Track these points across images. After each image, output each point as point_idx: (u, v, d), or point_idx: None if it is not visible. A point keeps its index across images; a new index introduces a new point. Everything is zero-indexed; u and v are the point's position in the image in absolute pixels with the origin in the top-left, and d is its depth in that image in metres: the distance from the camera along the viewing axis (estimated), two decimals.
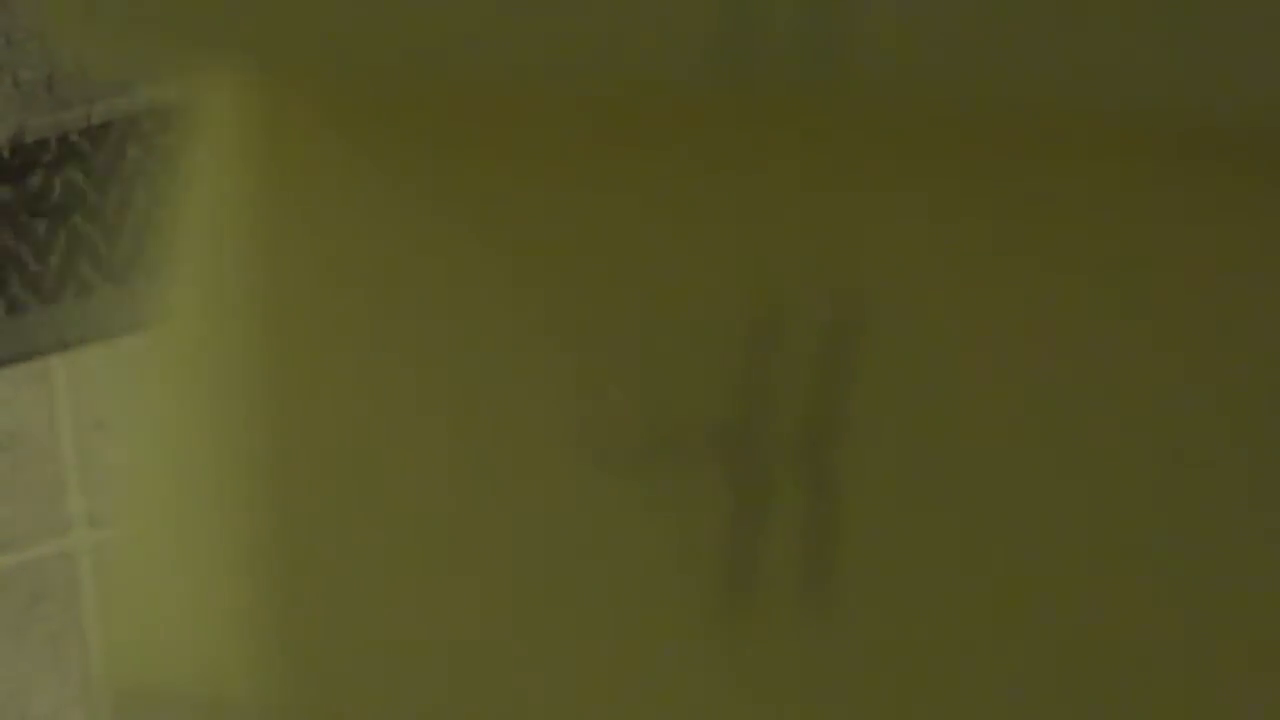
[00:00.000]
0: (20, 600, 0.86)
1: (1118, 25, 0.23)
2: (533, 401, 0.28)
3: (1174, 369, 0.27)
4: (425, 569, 0.28)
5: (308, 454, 0.28)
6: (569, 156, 0.29)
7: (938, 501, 0.27)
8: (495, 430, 0.28)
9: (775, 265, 0.28)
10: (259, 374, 0.28)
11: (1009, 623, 0.26)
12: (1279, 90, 0.24)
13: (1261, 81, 0.23)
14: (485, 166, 0.29)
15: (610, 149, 0.29)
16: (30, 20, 0.95)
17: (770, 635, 0.26)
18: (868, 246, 0.28)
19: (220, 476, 0.28)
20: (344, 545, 0.28)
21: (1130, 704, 0.26)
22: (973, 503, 0.26)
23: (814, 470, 0.27)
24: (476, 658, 0.27)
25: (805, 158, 0.28)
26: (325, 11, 0.25)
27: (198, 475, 0.28)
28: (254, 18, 0.25)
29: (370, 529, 0.28)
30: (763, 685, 0.26)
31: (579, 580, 0.27)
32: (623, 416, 0.27)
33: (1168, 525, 0.26)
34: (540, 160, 0.29)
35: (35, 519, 0.88)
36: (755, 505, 0.27)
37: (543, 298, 0.28)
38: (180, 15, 0.25)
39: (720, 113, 0.28)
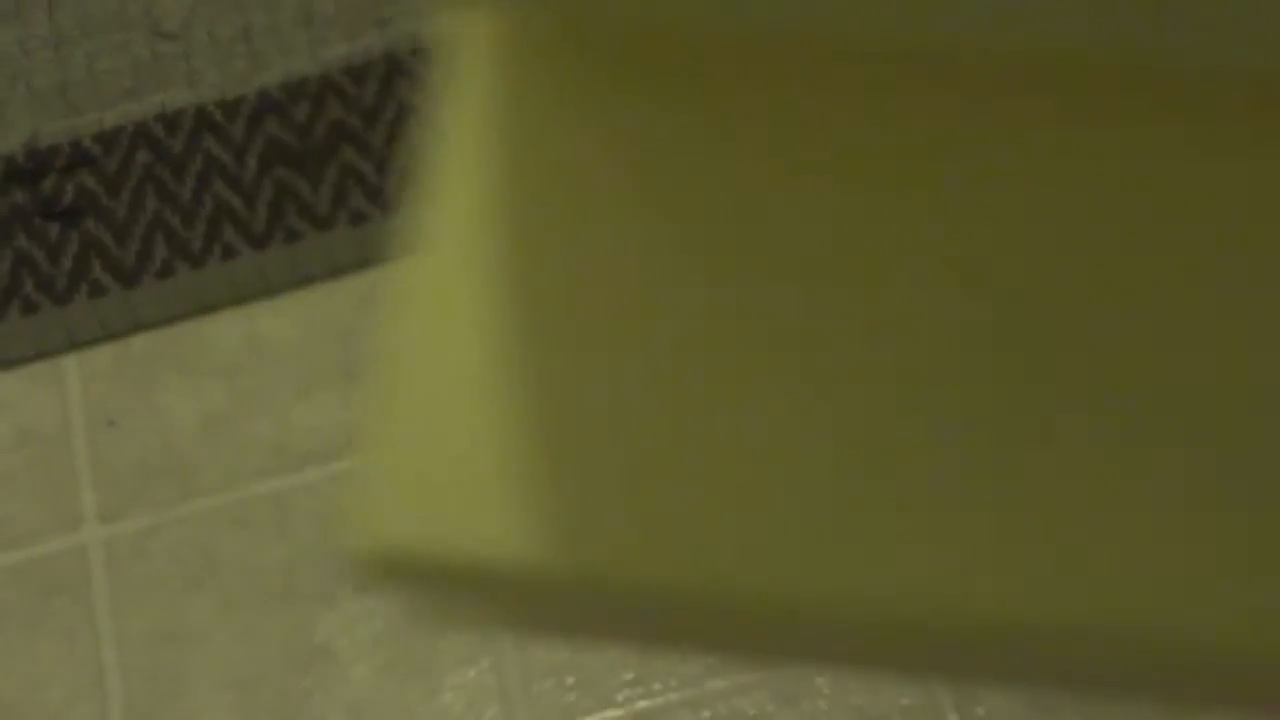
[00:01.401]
0: (34, 595, 0.87)
1: None
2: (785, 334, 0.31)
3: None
4: (679, 424, 0.30)
5: (566, 324, 0.30)
6: (814, 115, 0.32)
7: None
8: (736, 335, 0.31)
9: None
10: (512, 260, 0.31)
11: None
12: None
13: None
14: (729, 108, 0.32)
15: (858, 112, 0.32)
16: (44, 29, 0.96)
17: None
18: None
19: (484, 350, 0.30)
20: (608, 406, 0.29)
21: None
22: None
23: None
24: (734, 521, 0.29)
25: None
26: None
27: (463, 351, 0.30)
28: None
29: (633, 388, 0.30)
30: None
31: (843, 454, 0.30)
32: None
33: None
34: (793, 114, 0.32)
35: (48, 515, 0.88)
36: None
37: (780, 259, 0.32)
38: None
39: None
